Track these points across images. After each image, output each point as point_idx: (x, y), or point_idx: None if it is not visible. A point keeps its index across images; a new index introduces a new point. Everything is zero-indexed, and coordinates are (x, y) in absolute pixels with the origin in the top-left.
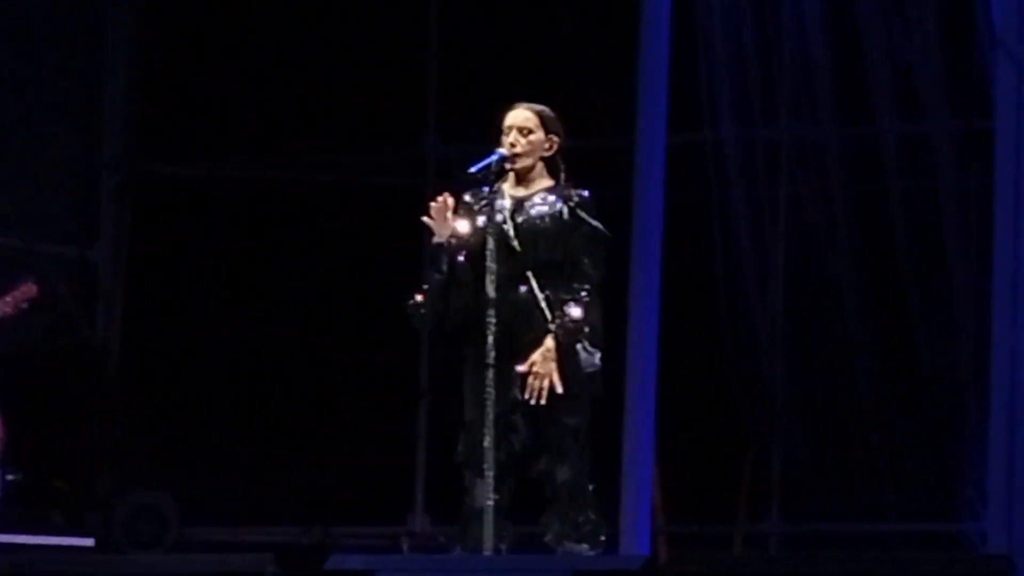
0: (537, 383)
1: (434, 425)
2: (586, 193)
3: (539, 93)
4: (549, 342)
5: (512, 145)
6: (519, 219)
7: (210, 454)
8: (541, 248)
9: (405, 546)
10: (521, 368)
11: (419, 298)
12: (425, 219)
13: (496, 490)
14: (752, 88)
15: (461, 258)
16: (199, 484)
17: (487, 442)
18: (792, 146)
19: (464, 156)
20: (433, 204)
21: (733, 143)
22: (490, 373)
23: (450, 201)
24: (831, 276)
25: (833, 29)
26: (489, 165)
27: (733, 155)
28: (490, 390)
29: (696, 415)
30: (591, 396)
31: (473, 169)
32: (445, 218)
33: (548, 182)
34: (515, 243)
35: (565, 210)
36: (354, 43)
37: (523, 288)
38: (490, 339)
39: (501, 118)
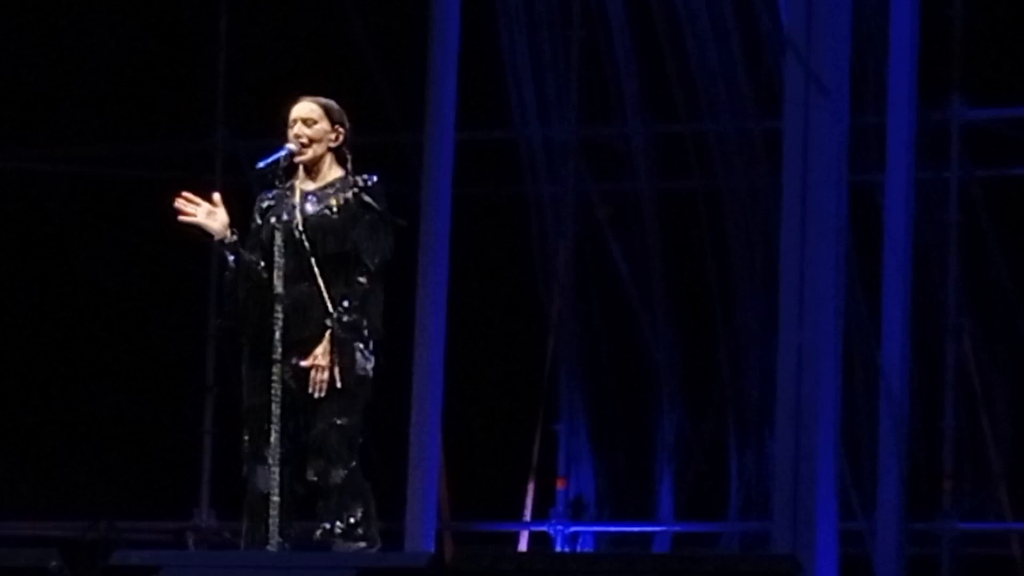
0: (319, 376)
1: (220, 419)
2: (374, 178)
3: (330, 87)
4: (328, 338)
5: (297, 136)
6: (308, 212)
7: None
8: (329, 241)
9: (191, 541)
10: (304, 363)
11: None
12: (187, 219)
13: (279, 481)
14: (549, 87)
15: (243, 254)
16: None
17: (273, 436)
18: (584, 145)
19: (254, 151)
20: (179, 204)
21: (530, 141)
22: (276, 368)
23: (193, 197)
24: (619, 274)
25: (634, 27)
26: (277, 160)
27: (530, 153)
28: (276, 384)
29: (483, 411)
30: (363, 398)
31: (261, 164)
32: (208, 212)
33: (338, 173)
34: (303, 237)
35: (352, 199)
36: (142, 33)
37: (305, 283)
38: (277, 334)
39: (287, 112)
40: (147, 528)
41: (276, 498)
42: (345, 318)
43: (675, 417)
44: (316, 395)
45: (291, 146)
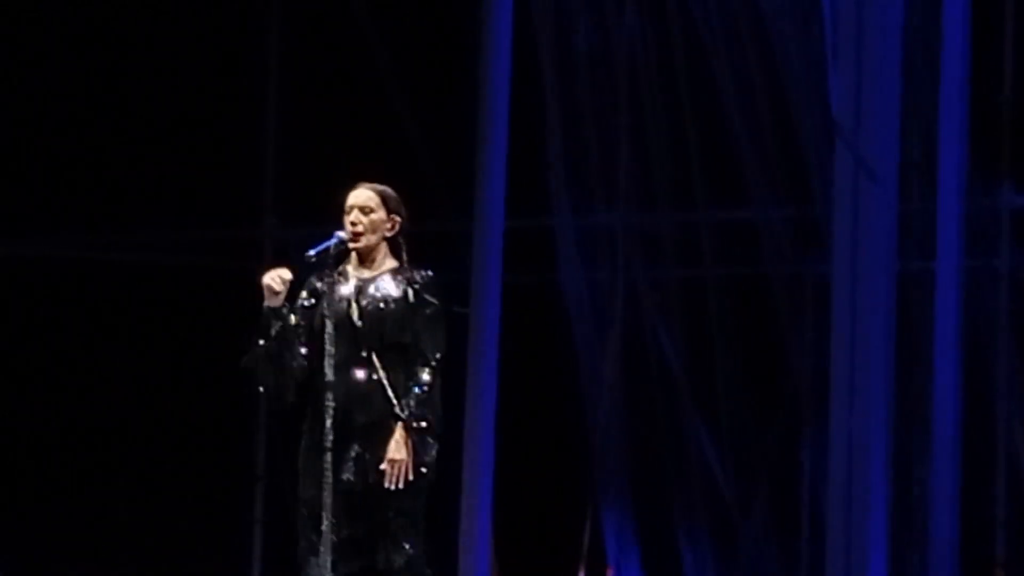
0: (395, 470)
1: (270, 508)
2: (429, 272)
3: (379, 176)
4: (400, 432)
5: (353, 224)
6: (363, 301)
7: (51, 533)
8: (386, 330)
9: None
10: (383, 466)
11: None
12: (266, 279)
13: (333, 572)
14: (591, 174)
15: (292, 320)
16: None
17: (325, 525)
18: (627, 232)
19: (303, 239)
20: (277, 272)
21: (571, 228)
22: (328, 456)
23: (288, 276)
24: (665, 362)
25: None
26: (328, 248)
27: (572, 239)
28: (328, 473)
29: (532, 498)
30: (427, 486)
31: (312, 252)
32: (283, 287)
33: (392, 263)
34: (359, 324)
35: (410, 292)
36: (191, 120)
37: (361, 371)
38: (328, 422)
39: (343, 198)
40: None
41: None
42: (416, 411)
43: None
44: (392, 487)
45: (342, 234)
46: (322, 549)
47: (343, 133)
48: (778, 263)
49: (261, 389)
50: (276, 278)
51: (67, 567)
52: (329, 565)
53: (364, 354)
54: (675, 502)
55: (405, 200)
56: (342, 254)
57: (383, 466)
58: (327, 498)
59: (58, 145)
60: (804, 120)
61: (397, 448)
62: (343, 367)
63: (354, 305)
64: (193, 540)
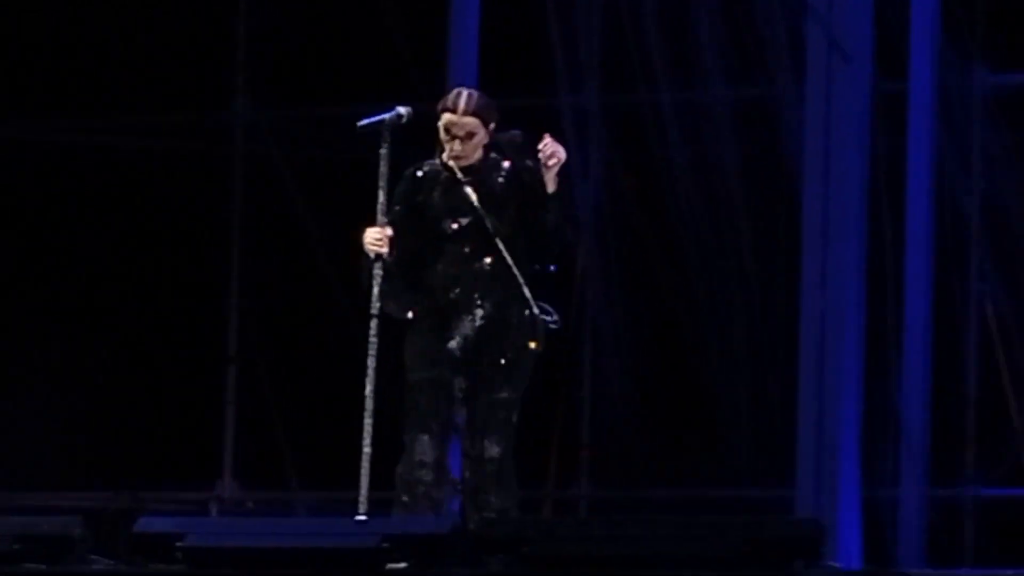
0: (559, 149)
1: (242, 391)
2: (518, 134)
3: (352, 54)
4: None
5: (457, 158)
6: (482, 191)
7: (17, 418)
8: (506, 215)
9: (214, 511)
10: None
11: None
12: (370, 242)
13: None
14: (572, 54)
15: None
16: (4, 448)
17: (368, 390)
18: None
19: (276, 121)
20: (377, 231)
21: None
22: (373, 324)
23: (389, 232)
24: (636, 240)
25: None
26: (382, 120)
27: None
28: (373, 339)
29: None
30: (533, 364)
31: (364, 122)
32: (386, 245)
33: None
34: (485, 219)
35: (511, 164)
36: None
37: (485, 260)
38: (375, 290)
39: (440, 107)
40: (170, 499)
41: (367, 451)
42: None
43: (698, 380)
44: (546, 158)
45: (402, 110)
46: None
47: (315, 8)
48: (735, 144)
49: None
50: (379, 237)
51: (39, 442)
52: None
53: (491, 243)
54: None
55: (375, 77)
56: (399, 128)
57: (542, 145)
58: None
59: (24, 28)
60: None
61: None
62: (468, 259)
63: (474, 199)
64: (167, 423)
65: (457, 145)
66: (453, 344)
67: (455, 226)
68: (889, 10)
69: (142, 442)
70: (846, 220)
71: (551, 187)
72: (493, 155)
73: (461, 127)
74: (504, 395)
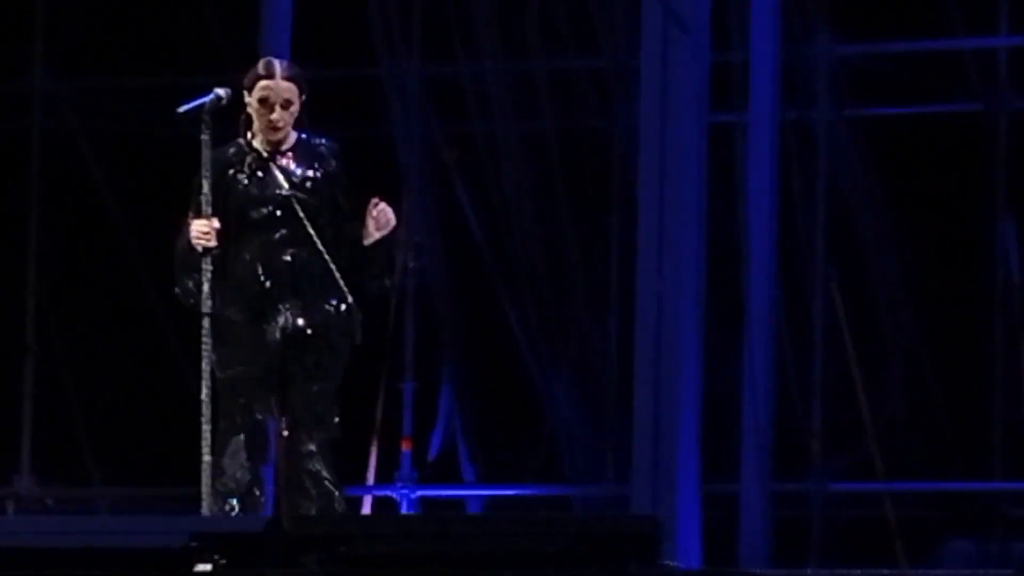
0: (389, 212)
1: (40, 382)
2: (333, 142)
3: (158, 21)
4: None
5: (274, 126)
6: (294, 176)
7: None
8: (323, 207)
9: (11, 509)
10: (373, 207)
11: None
12: (197, 235)
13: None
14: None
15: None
16: None
17: (203, 394)
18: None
19: (76, 93)
20: (203, 224)
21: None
22: (206, 323)
23: (216, 224)
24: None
25: None
26: (202, 104)
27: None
28: (206, 340)
29: None
30: (348, 356)
31: (184, 108)
32: (214, 239)
33: (295, 133)
34: (295, 205)
35: (331, 161)
36: None
37: (297, 249)
38: (206, 287)
39: (253, 77)
40: None
41: (207, 459)
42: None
43: (525, 373)
44: (374, 224)
45: (220, 91)
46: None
47: None
48: (580, 118)
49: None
50: (207, 230)
51: None
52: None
53: (304, 232)
54: (482, 373)
55: (183, 49)
56: (219, 111)
57: (372, 207)
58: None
59: None
60: None
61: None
62: (278, 246)
63: (283, 182)
64: None
65: (277, 113)
66: (268, 338)
67: (264, 212)
68: None
69: None
70: (683, 201)
71: (368, 241)
72: (304, 136)
73: (279, 93)
74: (319, 387)
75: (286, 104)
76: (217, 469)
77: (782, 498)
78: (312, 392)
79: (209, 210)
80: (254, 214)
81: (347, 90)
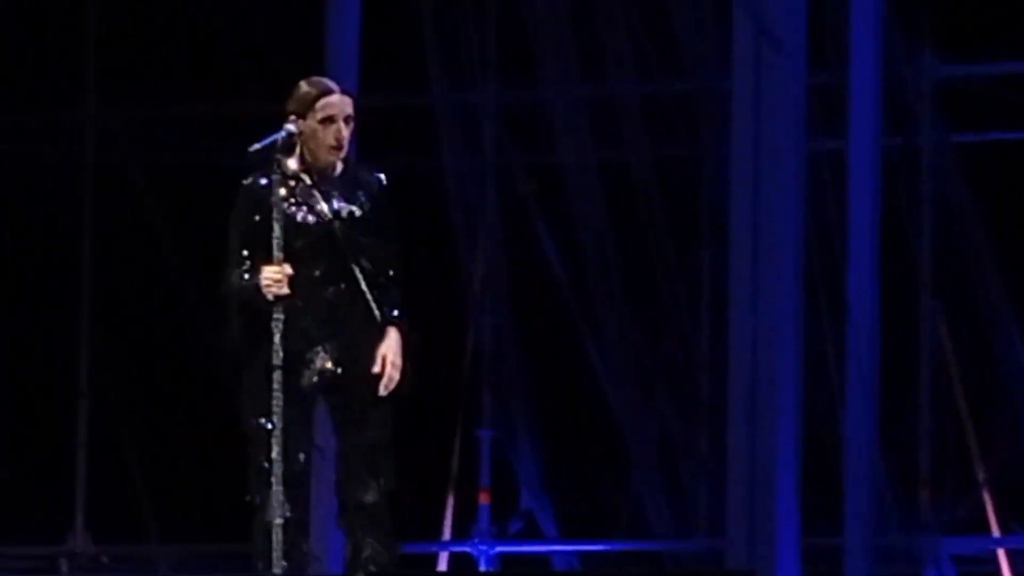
0: (395, 373)
1: (95, 430)
2: (383, 177)
3: (215, 50)
4: (395, 334)
5: (338, 142)
6: (338, 209)
7: None
8: (366, 241)
9: (65, 568)
10: (376, 368)
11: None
12: (268, 283)
13: (291, 504)
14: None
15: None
16: None
17: (275, 453)
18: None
19: (129, 123)
20: (276, 270)
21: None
22: (278, 375)
23: (288, 270)
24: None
25: None
26: (275, 142)
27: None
28: (278, 395)
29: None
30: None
31: (257, 147)
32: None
33: (341, 164)
34: (339, 237)
35: (375, 195)
36: None
37: (340, 285)
38: (277, 338)
39: (312, 96)
40: (16, 554)
41: (279, 520)
42: (404, 315)
43: (610, 419)
44: (384, 393)
45: (291, 127)
46: (275, 483)
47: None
48: (667, 146)
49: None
50: (279, 276)
51: None
52: (284, 499)
53: (346, 265)
54: (564, 422)
55: (244, 76)
56: (288, 148)
57: (377, 368)
58: (277, 423)
59: None
60: None
61: (394, 353)
62: (319, 282)
63: (328, 213)
64: (11, 464)
65: (343, 129)
66: (303, 382)
67: (303, 243)
68: None
69: None
70: (779, 234)
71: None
72: (350, 165)
73: (342, 108)
74: (370, 435)
75: (348, 120)
76: (258, 524)
77: (890, 553)
78: (363, 441)
79: (280, 255)
80: (295, 245)
81: (406, 119)
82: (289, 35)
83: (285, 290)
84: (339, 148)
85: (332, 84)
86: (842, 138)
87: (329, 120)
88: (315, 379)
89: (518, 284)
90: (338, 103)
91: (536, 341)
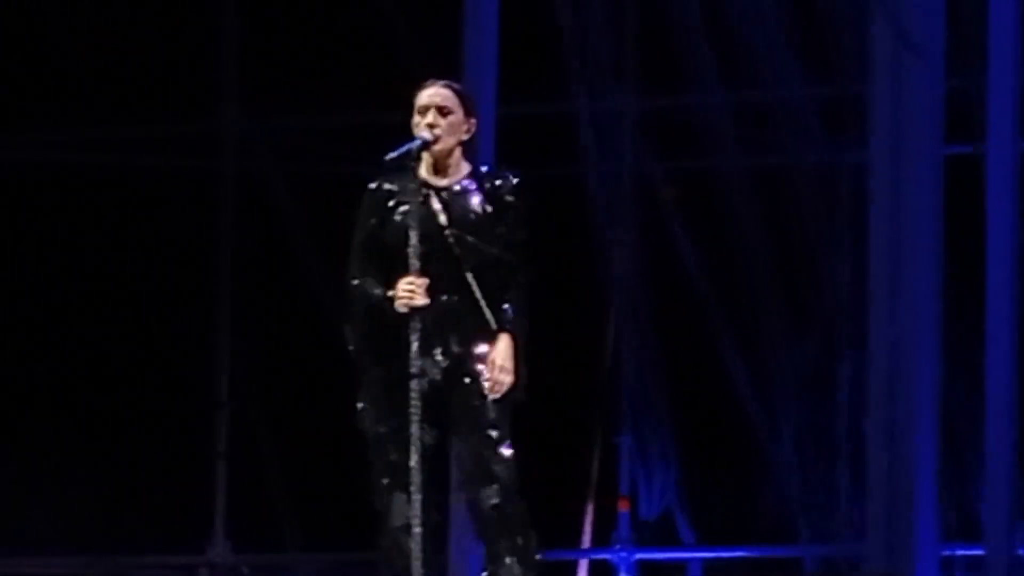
0: (504, 377)
1: (235, 440)
2: (514, 177)
3: (351, 60)
4: (506, 340)
5: (432, 126)
6: (455, 215)
7: None
8: (481, 248)
9: None
10: (486, 374)
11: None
12: (406, 295)
13: (423, 512)
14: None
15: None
16: None
17: (413, 460)
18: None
19: (269, 132)
20: (411, 282)
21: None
22: (414, 384)
23: (422, 280)
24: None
25: None
26: (410, 151)
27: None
28: (416, 403)
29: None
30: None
31: (392, 155)
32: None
33: (467, 168)
34: (453, 244)
35: (502, 199)
36: (142, 5)
37: (453, 295)
38: (415, 347)
39: (414, 94)
40: (156, 563)
41: (418, 528)
42: (520, 322)
43: (748, 425)
44: (493, 398)
45: (425, 134)
46: (412, 490)
47: (310, 10)
48: (807, 151)
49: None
50: (413, 287)
51: (16, 500)
52: (418, 503)
53: (457, 275)
54: (701, 429)
55: (380, 88)
56: (419, 157)
57: (487, 373)
58: (415, 429)
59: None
60: None
61: (506, 356)
62: (433, 288)
63: (443, 220)
64: (151, 477)
65: (431, 116)
66: (415, 387)
67: (418, 251)
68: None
69: (122, 499)
70: (919, 241)
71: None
72: (480, 170)
73: (432, 98)
74: (487, 435)
75: (442, 110)
76: (384, 531)
77: None
78: (478, 442)
79: (417, 264)
80: (409, 250)
81: (547, 127)
82: (428, 45)
83: (421, 301)
84: (432, 127)
85: (434, 81)
86: (980, 143)
87: (421, 111)
88: (426, 386)
89: (656, 290)
90: (428, 93)
91: (674, 347)
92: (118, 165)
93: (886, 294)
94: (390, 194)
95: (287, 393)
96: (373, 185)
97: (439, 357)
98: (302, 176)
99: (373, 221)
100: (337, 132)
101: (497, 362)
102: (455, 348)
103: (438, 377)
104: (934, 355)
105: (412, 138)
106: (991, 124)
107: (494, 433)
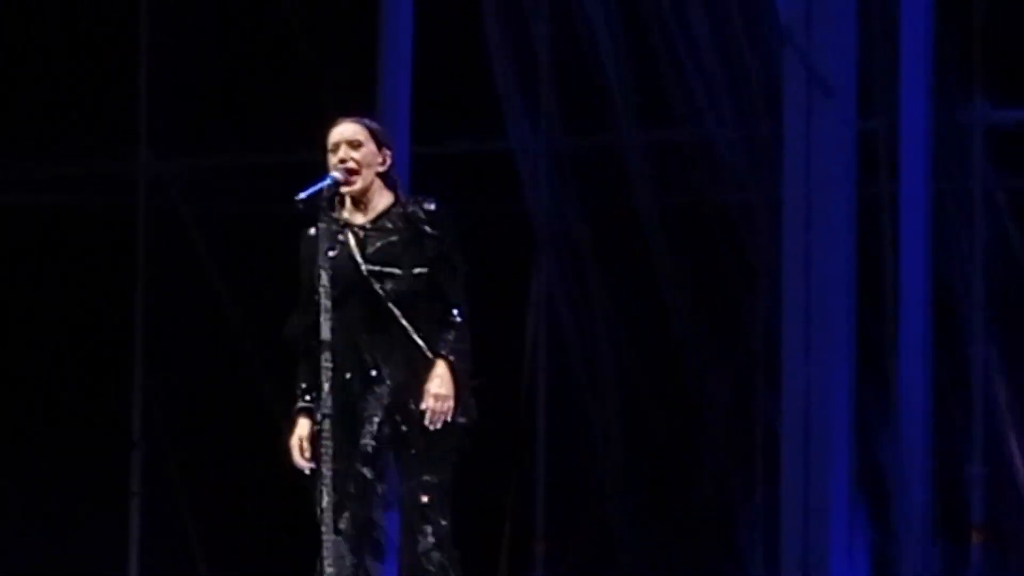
0: (441, 406)
1: (149, 479)
2: (432, 204)
3: (268, 101)
4: (442, 367)
5: (343, 161)
6: (370, 252)
7: None
8: (402, 274)
9: None
10: (424, 404)
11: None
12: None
13: (353, 553)
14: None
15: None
16: None
17: (324, 502)
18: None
19: (181, 173)
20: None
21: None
22: (327, 424)
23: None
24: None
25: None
26: (320, 190)
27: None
28: (327, 443)
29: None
30: (460, 449)
31: (302, 195)
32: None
33: (389, 200)
34: (371, 280)
35: (420, 228)
36: (52, 43)
37: (383, 332)
38: (326, 387)
39: (325, 134)
40: None
41: (331, 569)
42: (456, 347)
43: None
44: (433, 428)
45: (336, 174)
46: (325, 533)
47: (224, 51)
48: (723, 190)
49: None
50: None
51: None
52: (335, 550)
53: (385, 307)
54: (619, 465)
55: (296, 125)
56: (334, 196)
57: (424, 404)
58: (325, 473)
59: None
60: (747, 28)
61: (441, 384)
62: (355, 327)
63: (358, 256)
64: (64, 513)
65: (343, 151)
66: (366, 438)
67: (338, 290)
68: (868, 42)
69: (35, 535)
70: (832, 274)
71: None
72: (400, 201)
73: (342, 134)
74: (427, 479)
75: (352, 144)
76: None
77: None
78: (417, 486)
79: (328, 304)
80: (334, 292)
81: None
82: (342, 83)
83: (302, 463)
84: (344, 169)
85: (344, 117)
86: (892, 182)
87: (334, 148)
88: (369, 429)
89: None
90: (337, 130)
91: (595, 382)
92: (31, 205)
93: (800, 332)
94: (315, 239)
95: (202, 431)
96: (310, 231)
97: (379, 390)
98: (216, 215)
99: (302, 267)
100: (252, 171)
101: (432, 390)
102: (390, 382)
103: (378, 415)
104: (845, 392)
105: (323, 177)
106: (903, 163)
107: (433, 477)
